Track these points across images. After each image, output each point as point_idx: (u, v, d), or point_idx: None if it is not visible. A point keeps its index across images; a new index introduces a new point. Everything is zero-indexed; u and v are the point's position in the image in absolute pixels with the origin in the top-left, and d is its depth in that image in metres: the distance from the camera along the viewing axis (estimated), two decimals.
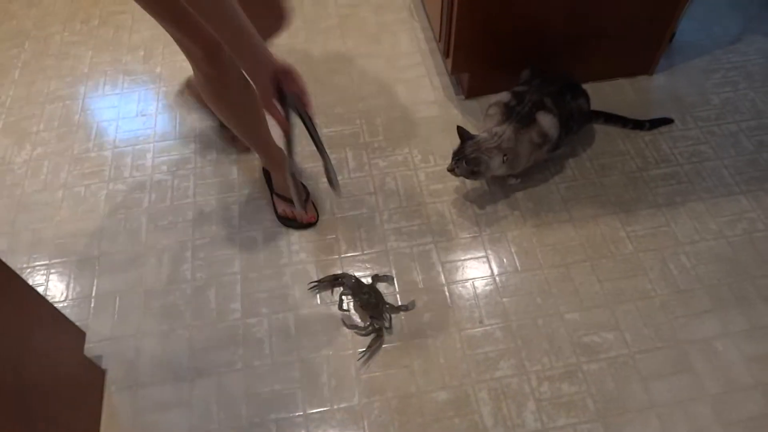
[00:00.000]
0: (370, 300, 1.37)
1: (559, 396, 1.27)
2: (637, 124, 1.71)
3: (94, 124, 1.84)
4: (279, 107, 1.06)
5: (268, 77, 1.03)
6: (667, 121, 1.73)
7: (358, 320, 1.39)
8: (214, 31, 1.01)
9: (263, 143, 1.50)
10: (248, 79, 1.09)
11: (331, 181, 1.20)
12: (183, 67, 1.96)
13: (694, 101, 1.79)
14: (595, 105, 1.65)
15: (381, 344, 1.34)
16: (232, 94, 1.31)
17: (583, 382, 1.28)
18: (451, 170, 1.49)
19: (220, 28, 1.00)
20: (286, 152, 1.15)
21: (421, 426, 1.24)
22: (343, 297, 1.41)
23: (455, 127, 1.49)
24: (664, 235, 1.50)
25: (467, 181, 1.59)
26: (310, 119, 1.09)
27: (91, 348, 1.35)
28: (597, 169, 1.64)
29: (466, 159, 1.43)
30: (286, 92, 1.04)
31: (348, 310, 1.40)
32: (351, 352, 1.34)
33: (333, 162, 1.60)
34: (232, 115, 1.40)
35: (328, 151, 1.16)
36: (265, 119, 1.43)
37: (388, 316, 1.37)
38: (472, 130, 1.48)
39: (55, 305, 1.25)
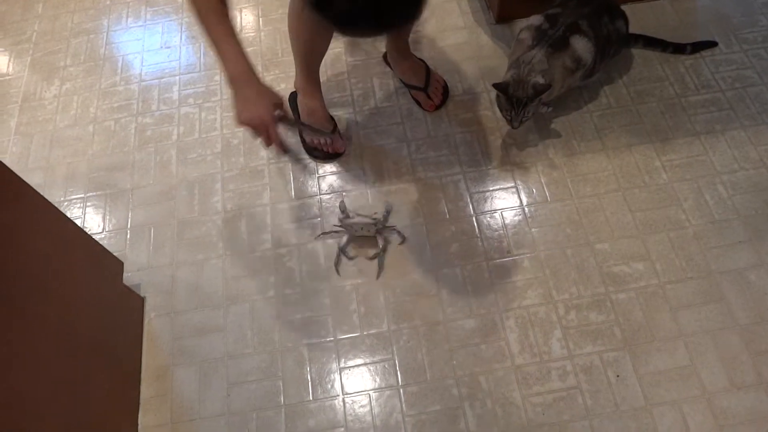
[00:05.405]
0: (364, 231, 1.38)
1: (587, 324, 1.28)
2: (678, 48, 1.62)
3: (120, 58, 1.83)
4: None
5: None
6: (710, 44, 1.64)
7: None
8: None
9: (313, 63, 1.47)
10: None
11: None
12: None
13: (741, 22, 1.68)
14: (634, 27, 1.57)
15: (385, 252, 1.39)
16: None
17: (611, 311, 1.29)
18: (517, 126, 1.42)
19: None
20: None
21: (447, 352, 1.27)
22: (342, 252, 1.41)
23: (485, 54, 1.43)
24: (700, 165, 1.46)
25: (496, 110, 1.55)
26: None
27: (129, 277, 1.40)
28: (633, 96, 1.58)
29: (534, 91, 1.35)
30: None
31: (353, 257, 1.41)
32: (380, 280, 1.36)
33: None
34: (306, 31, 1.37)
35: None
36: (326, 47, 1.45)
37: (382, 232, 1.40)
38: (502, 58, 1.43)
39: (93, 237, 1.30)
